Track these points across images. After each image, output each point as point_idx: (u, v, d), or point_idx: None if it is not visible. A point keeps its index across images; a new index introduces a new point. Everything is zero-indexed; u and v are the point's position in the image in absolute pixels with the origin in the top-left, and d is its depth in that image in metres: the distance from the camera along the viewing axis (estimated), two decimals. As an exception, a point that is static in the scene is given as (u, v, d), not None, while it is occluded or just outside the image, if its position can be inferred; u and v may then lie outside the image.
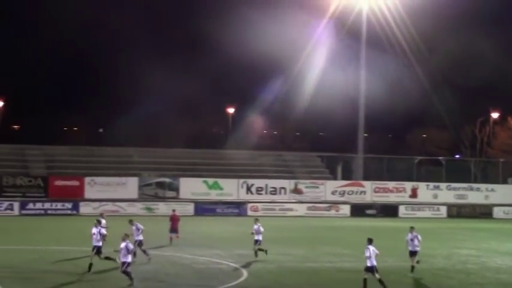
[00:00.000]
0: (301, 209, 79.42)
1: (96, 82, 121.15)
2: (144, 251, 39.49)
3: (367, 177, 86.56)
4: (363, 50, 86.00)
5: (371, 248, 31.73)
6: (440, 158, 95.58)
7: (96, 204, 73.67)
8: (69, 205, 73.44)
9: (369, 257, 31.59)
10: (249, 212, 77.21)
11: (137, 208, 73.75)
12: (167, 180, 78.66)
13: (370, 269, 31.62)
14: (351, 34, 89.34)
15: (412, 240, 34.92)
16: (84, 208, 73.57)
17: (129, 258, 31.46)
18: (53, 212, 72.71)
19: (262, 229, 41.79)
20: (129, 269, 31.36)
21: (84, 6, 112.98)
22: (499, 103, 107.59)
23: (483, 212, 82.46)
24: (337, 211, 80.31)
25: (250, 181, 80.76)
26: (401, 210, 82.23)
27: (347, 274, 36.79)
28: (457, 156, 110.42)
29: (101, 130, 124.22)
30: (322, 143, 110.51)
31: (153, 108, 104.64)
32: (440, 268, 41.04)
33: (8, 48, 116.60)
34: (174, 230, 47.98)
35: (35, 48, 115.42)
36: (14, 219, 67.16)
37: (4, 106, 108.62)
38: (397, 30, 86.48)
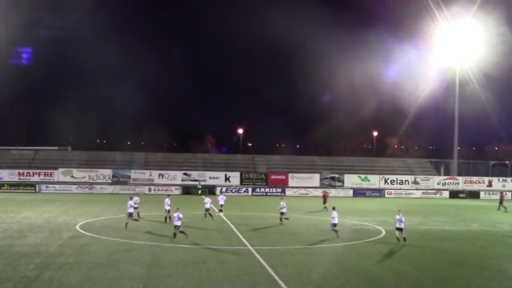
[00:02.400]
0: (418, 194, 77.10)
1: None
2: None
3: (459, 174, 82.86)
4: (457, 96, 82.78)
5: (335, 212, 31.66)
6: (506, 162, 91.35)
7: (295, 189, 74.75)
8: (279, 190, 74.51)
9: (333, 218, 31.59)
10: (386, 195, 76.08)
11: (318, 192, 72.85)
12: (336, 175, 78.29)
13: (334, 225, 31.70)
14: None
15: (399, 220, 30.01)
16: (288, 192, 74.29)
17: (179, 223, 29.51)
18: (270, 193, 74.02)
19: (285, 205, 39.39)
20: (180, 229, 29.60)
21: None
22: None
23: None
24: (440, 195, 77.61)
25: (386, 176, 79.05)
26: (482, 194, 78.41)
27: (447, 233, 35.89)
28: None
29: (298, 146, 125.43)
30: (431, 153, 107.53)
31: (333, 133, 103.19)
32: (507, 231, 39.28)
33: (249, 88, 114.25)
34: (324, 202, 50.16)
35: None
36: (248, 197, 68.97)
37: (243, 132, 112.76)
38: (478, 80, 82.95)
